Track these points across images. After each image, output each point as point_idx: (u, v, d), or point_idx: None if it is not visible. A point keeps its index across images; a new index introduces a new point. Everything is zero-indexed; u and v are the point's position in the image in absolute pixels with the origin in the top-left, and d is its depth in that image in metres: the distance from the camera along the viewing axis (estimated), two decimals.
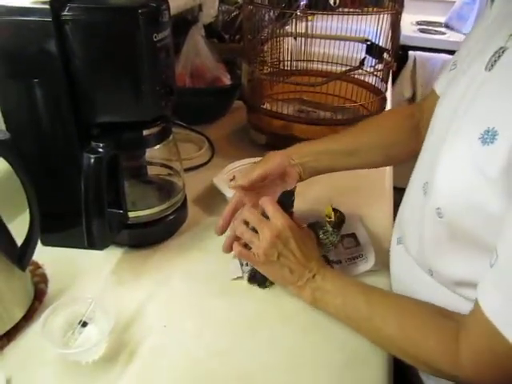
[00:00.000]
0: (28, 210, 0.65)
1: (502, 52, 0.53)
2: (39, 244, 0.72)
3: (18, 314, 0.65)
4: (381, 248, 0.80)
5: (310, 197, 0.90)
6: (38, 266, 0.74)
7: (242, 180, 0.75)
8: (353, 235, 0.82)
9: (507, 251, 0.47)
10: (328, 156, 0.80)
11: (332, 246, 0.74)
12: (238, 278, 0.74)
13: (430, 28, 2.66)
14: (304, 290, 0.67)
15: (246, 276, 0.74)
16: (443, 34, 2.58)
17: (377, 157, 0.83)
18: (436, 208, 0.56)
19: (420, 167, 0.67)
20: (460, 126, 0.55)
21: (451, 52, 2.41)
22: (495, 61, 0.54)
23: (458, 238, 0.56)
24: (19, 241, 0.67)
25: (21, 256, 0.65)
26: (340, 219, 0.74)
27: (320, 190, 0.91)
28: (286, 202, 0.74)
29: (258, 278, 0.72)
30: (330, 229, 0.73)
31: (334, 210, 0.75)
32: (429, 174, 0.59)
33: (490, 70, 0.54)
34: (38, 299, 0.69)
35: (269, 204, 0.68)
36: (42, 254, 0.75)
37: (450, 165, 0.55)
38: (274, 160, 0.77)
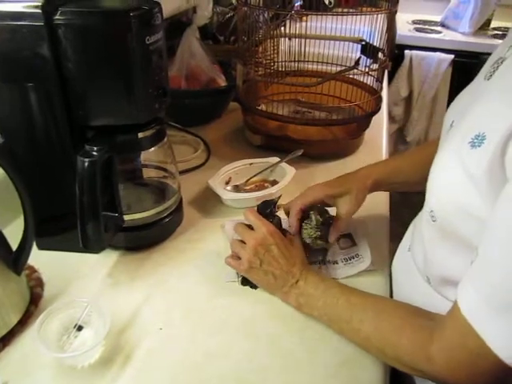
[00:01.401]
0: (22, 214, 0.65)
1: (501, 62, 0.55)
2: (35, 248, 0.72)
3: (14, 319, 0.65)
4: (377, 248, 0.80)
5: None
6: (33, 270, 0.74)
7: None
8: (349, 235, 0.82)
9: (486, 250, 0.47)
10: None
11: (309, 238, 0.75)
12: (233, 281, 0.75)
13: (426, 27, 2.67)
14: (289, 295, 0.68)
15: (239, 280, 0.74)
16: (439, 32, 2.59)
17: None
18: (430, 211, 0.57)
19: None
20: (454, 134, 0.56)
21: (447, 51, 2.46)
22: (494, 70, 0.56)
23: (450, 240, 0.57)
24: (15, 245, 0.67)
25: (16, 260, 0.65)
26: (326, 221, 0.76)
27: None
28: (264, 211, 0.75)
29: (250, 280, 0.73)
30: (314, 223, 0.74)
31: (325, 211, 0.77)
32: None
33: (488, 79, 0.56)
34: (33, 303, 0.69)
35: (250, 215, 0.73)
36: (38, 257, 0.75)
37: (441, 169, 0.56)
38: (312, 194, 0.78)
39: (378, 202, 0.96)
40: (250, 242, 0.70)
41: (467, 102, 0.58)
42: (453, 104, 0.66)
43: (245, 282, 0.73)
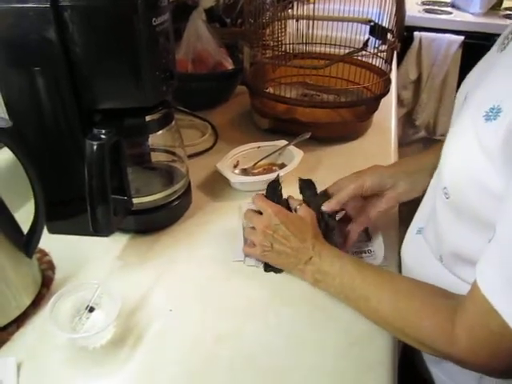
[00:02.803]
0: (33, 198, 0.66)
1: None
2: (46, 232, 0.72)
3: (27, 301, 0.66)
4: (387, 240, 0.79)
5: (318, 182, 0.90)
6: (44, 254, 0.75)
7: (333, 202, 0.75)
8: (365, 230, 0.81)
9: (505, 228, 0.47)
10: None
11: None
12: (240, 261, 0.75)
13: (436, 8, 2.62)
14: (305, 272, 0.68)
15: (261, 266, 0.74)
16: (449, 13, 2.54)
17: None
18: (443, 188, 0.56)
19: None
20: (468, 107, 0.55)
21: (457, 32, 2.41)
22: (508, 42, 0.54)
23: (464, 218, 0.56)
24: (26, 229, 0.67)
25: (27, 243, 0.66)
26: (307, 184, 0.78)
27: (324, 179, 0.90)
28: (272, 194, 0.76)
29: (271, 265, 0.73)
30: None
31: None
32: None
33: (502, 51, 0.55)
34: (45, 286, 0.70)
35: (256, 199, 0.74)
36: (49, 241, 0.76)
37: (455, 144, 0.55)
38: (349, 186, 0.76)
39: None
40: (258, 227, 0.71)
41: (481, 75, 0.57)
42: (466, 80, 0.65)
43: (268, 267, 0.73)
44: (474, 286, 0.50)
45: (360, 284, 0.63)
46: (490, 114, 0.48)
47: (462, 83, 0.65)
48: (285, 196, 0.78)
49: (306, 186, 0.79)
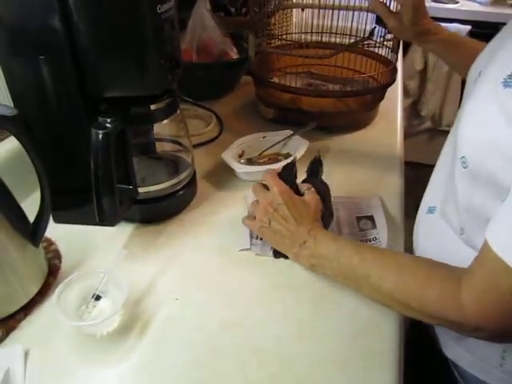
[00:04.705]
0: (39, 188, 0.66)
1: None
2: (52, 221, 0.73)
3: (34, 289, 0.66)
4: (392, 228, 0.80)
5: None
6: (51, 243, 0.75)
7: None
8: (371, 218, 0.81)
9: None
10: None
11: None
12: (246, 249, 0.75)
13: None
14: (299, 256, 0.69)
15: (270, 253, 0.74)
16: (456, 2, 2.51)
17: None
18: (461, 157, 0.56)
19: (452, 132, 0.67)
20: (484, 79, 0.54)
21: (464, 22, 2.38)
22: None
23: (484, 185, 0.56)
24: (32, 219, 0.67)
25: (33, 232, 0.66)
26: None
27: (329, 168, 0.89)
28: (287, 176, 0.75)
29: (281, 252, 0.73)
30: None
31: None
32: (456, 129, 0.59)
33: None
34: (52, 275, 0.70)
35: (267, 176, 0.74)
36: (55, 231, 0.76)
37: (473, 110, 0.54)
38: None
39: (392, 176, 0.95)
40: (262, 202, 0.72)
41: (493, 52, 0.57)
42: (477, 60, 0.65)
43: (277, 254, 0.73)
44: (484, 247, 0.49)
45: (359, 263, 0.62)
46: (509, 80, 0.48)
47: (473, 64, 0.65)
48: (299, 180, 0.77)
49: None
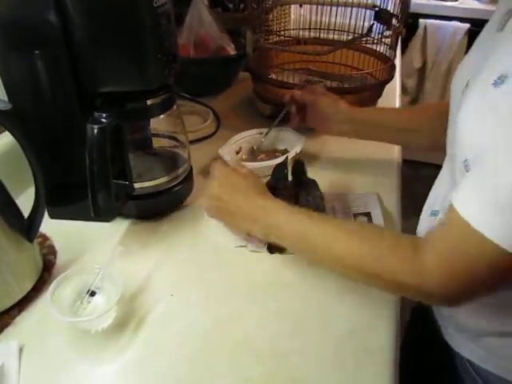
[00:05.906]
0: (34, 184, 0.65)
1: None
2: (47, 217, 0.72)
3: (28, 285, 0.66)
4: (388, 222, 0.80)
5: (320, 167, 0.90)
6: (46, 238, 0.75)
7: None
8: (368, 214, 0.81)
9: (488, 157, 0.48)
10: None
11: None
12: (242, 246, 0.75)
13: None
14: (253, 229, 0.68)
15: (265, 249, 0.74)
16: (455, 0, 2.51)
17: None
18: (463, 161, 0.56)
19: (448, 141, 0.67)
20: (474, 81, 0.54)
21: (463, 19, 2.38)
22: (506, 21, 0.54)
23: None
24: (27, 214, 0.67)
25: (28, 227, 0.66)
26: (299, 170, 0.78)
27: (326, 164, 0.89)
28: (278, 175, 0.75)
29: (275, 246, 0.73)
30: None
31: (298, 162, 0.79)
32: (452, 138, 0.59)
33: (501, 30, 0.54)
34: (47, 270, 0.70)
35: (213, 166, 0.73)
36: (50, 226, 0.76)
37: (467, 112, 0.54)
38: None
39: (389, 175, 0.95)
40: (209, 186, 0.71)
41: (480, 58, 0.56)
42: (461, 69, 0.64)
43: (271, 249, 0.73)
44: (449, 212, 0.50)
45: (309, 226, 0.62)
46: (498, 81, 0.48)
47: (457, 73, 0.64)
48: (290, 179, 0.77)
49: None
